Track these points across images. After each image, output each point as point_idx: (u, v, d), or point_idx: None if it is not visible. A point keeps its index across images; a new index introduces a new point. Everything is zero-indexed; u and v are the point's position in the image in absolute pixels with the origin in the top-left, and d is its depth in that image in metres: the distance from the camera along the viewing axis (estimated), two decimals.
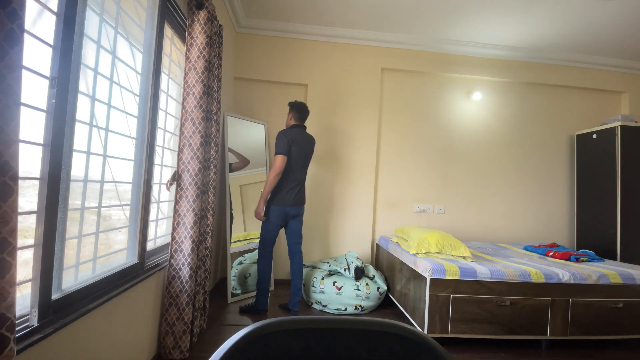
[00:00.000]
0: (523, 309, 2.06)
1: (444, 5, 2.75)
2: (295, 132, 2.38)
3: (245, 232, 2.91)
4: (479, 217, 3.51)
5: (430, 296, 2.02)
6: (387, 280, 2.81)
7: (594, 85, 3.61)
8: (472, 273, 2.05)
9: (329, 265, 2.80)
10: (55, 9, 1.01)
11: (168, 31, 1.87)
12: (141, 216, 1.55)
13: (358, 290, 2.55)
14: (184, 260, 1.76)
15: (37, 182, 0.98)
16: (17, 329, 0.88)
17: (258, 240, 2.59)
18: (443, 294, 2.02)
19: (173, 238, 1.77)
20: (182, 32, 2.00)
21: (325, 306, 2.59)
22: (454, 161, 3.49)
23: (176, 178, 1.79)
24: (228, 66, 3.01)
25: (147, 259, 1.67)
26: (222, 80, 2.68)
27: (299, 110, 2.45)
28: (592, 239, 3.26)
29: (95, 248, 1.31)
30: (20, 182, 0.76)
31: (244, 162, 2.96)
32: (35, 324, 0.94)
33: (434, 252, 2.33)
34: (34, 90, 0.97)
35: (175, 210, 1.77)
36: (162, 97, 1.84)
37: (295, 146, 2.35)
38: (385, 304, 2.76)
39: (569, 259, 2.49)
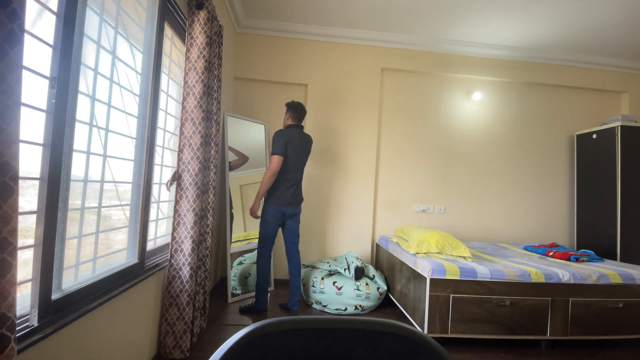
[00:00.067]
0: (523, 309, 2.06)
1: (444, 5, 2.75)
2: (292, 132, 2.39)
3: (245, 232, 2.91)
4: (479, 217, 3.51)
5: (430, 296, 2.02)
6: (387, 280, 2.81)
7: (594, 85, 3.61)
8: (472, 273, 2.05)
9: (329, 265, 2.80)
10: (55, 9, 1.01)
11: (168, 31, 1.87)
12: (141, 216, 1.55)
13: (358, 290, 2.55)
14: (184, 260, 1.76)
15: (37, 182, 0.98)
16: (17, 328, 0.88)
17: (257, 240, 2.60)
18: (443, 294, 2.02)
19: (173, 238, 1.77)
20: (182, 32, 2.00)
21: (325, 306, 2.59)
22: (454, 161, 3.49)
23: (176, 178, 1.79)
24: (228, 66, 3.01)
25: (147, 259, 1.67)
26: (222, 80, 2.68)
27: (296, 110, 2.46)
28: (592, 239, 3.26)
29: (95, 248, 1.31)
30: (20, 182, 0.76)
31: (242, 159, 2.96)
32: (36, 324, 0.94)
33: (434, 252, 2.33)
34: (34, 90, 0.97)
35: (176, 210, 1.77)
36: (162, 97, 1.84)
37: (292, 146, 2.36)
38: (385, 304, 2.76)
39: (569, 259, 2.49)
